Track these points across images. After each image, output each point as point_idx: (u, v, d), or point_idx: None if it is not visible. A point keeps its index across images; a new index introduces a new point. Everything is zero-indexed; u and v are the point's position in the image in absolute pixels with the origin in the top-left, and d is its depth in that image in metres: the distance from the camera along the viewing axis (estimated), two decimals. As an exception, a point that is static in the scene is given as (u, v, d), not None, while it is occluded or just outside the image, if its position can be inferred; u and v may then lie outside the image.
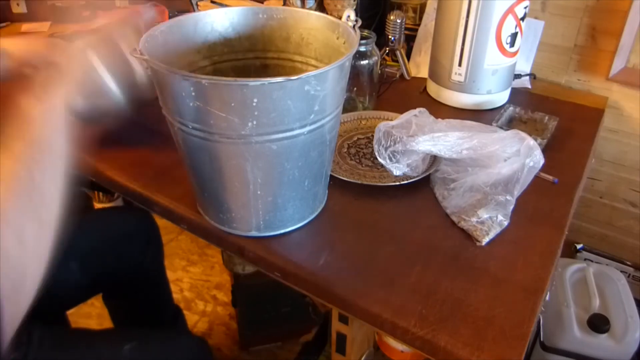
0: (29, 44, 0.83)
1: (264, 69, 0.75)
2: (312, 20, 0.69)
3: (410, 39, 1.17)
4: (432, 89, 1.05)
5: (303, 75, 0.53)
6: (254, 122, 0.55)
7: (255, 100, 0.53)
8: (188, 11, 1.38)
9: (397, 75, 1.12)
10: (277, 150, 0.58)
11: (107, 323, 1.35)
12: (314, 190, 0.68)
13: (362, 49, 0.92)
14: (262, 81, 0.52)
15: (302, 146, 0.60)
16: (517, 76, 1.05)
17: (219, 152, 0.59)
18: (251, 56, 0.75)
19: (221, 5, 1.26)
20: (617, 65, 1.07)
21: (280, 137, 0.57)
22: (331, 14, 0.69)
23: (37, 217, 0.44)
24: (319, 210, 0.72)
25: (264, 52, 0.74)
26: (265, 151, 0.58)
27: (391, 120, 0.83)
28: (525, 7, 0.91)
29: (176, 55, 0.66)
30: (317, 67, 0.71)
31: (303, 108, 0.56)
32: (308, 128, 0.58)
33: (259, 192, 0.62)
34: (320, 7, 1.15)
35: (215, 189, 0.64)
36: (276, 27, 0.72)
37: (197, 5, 1.32)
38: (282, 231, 0.68)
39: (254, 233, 0.67)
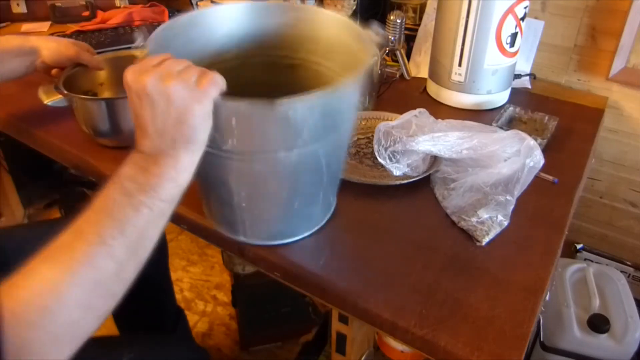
0: (59, 44, 0.84)
1: (291, 69, 0.72)
2: (338, 26, 0.66)
3: (410, 39, 1.17)
4: (432, 89, 1.05)
5: (284, 100, 0.49)
6: (234, 141, 0.53)
7: (233, 119, 0.51)
8: (188, 11, 1.38)
9: (397, 75, 1.12)
10: (260, 169, 0.56)
11: (107, 322, 1.35)
12: (307, 212, 0.65)
13: (362, 49, 0.92)
14: (238, 103, 0.49)
15: (291, 168, 0.57)
16: (517, 76, 1.05)
17: (204, 161, 0.58)
18: (280, 54, 0.71)
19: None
20: (617, 65, 1.07)
21: (263, 157, 0.55)
22: (332, 14, 0.68)
23: (109, 292, 0.47)
24: (314, 230, 0.68)
25: (293, 52, 0.71)
26: (247, 168, 0.56)
27: (391, 120, 0.83)
28: (525, 7, 0.91)
29: (199, 49, 0.65)
30: (342, 75, 0.65)
31: (288, 133, 0.53)
32: (296, 152, 0.55)
33: (243, 205, 0.61)
34: (321, 6, 1.15)
35: (207, 194, 0.64)
36: (305, 28, 0.68)
37: (197, 5, 1.32)
38: (270, 243, 0.66)
39: (241, 239, 0.66)
